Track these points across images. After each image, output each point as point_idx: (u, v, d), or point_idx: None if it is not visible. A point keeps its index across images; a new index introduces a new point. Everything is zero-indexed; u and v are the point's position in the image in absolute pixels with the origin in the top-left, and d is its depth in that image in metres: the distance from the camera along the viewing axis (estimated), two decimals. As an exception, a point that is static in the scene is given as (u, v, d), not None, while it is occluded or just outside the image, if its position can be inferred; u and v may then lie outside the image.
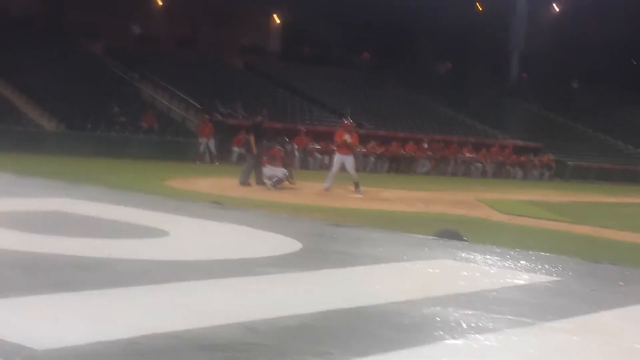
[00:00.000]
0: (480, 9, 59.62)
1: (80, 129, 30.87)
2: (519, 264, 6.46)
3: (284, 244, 6.69)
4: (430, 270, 6.01)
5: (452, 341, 3.91)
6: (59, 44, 37.65)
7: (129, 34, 43.20)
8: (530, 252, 7.23)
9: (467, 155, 38.25)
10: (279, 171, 20.34)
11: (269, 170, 20.34)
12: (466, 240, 8.35)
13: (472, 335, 4.02)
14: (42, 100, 32.46)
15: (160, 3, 46.63)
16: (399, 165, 36.00)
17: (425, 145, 37.14)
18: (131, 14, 43.89)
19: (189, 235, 7.15)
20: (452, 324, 4.23)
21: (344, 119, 21.95)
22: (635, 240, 13.81)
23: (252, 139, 21.37)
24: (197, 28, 46.85)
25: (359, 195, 20.07)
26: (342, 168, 20.75)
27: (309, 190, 20.65)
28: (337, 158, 21.00)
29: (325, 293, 4.87)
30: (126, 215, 7.85)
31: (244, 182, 20.56)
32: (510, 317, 4.46)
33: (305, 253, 6.39)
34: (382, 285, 5.24)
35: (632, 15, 53.68)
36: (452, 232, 8.83)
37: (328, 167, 24.99)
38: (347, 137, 20.75)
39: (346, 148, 20.81)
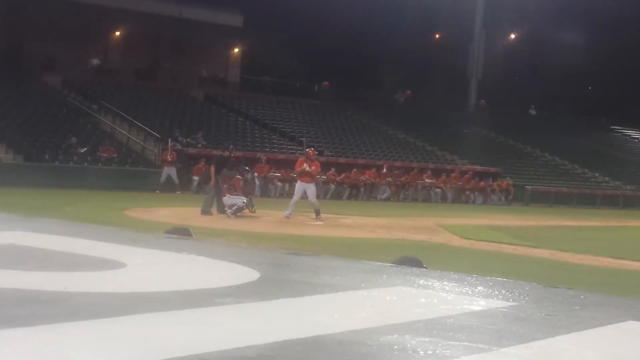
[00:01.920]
0: (439, 38, 60.32)
1: (38, 160, 30.57)
2: (476, 290, 6.50)
3: (242, 274, 6.66)
4: (388, 297, 6.01)
5: (408, 369, 3.91)
6: (17, 77, 37.41)
7: (87, 66, 43.04)
8: (488, 278, 7.28)
9: (427, 181, 38.47)
10: (239, 199, 20.34)
11: (228, 199, 20.33)
12: (425, 268, 8.38)
13: (429, 363, 4.02)
14: (-1, 132, 32.12)
15: (119, 35, 46.50)
16: (359, 192, 36.08)
17: (385, 172, 37.30)
18: (89, 46, 43.75)
19: (147, 266, 7.09)
20: (410, 351, 4.24)
21: (308, 149, 22.00)
22: (593, 263, 13.96)
23: (212, 170, 21.34)
24: (156, 60, 46.82)
25: (320, 223, 20.08)
26: (304, 196, 20.79)
27: (270, 218, 20.60)
28: (299, 186, 21.07)
29: (283, 323, 4.85)
30: (83, 248, 7.77)
31: (206, 211, 20.48)
32: (467, 343, 4.47)
33: (263, 283, 6.37)
34: (340, 314, 5.23)
35: (588, 44, 54.72)
36: (412, 259, 8.85)
37: (289, 194, 24.99)
38: (307, 166, 20.82)
39: (307, 176, 20.86)
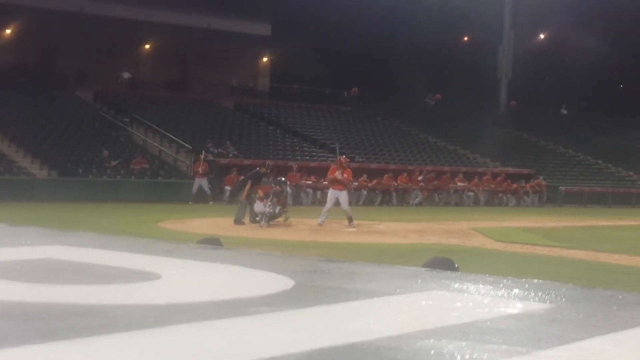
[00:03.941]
0: (467, 40, 60.09)
1: (72, 174, 30.87)
2: (512, 293, 6.45)
3: (277, 282, 6.67)
4: (423, 302, 5.99)
5: (446, 373, 3.90)
6: (49, 92, 37.86)
7: (118, 79, 43.45)
8: (523, 280, 7.22)
9: (459, 184, 38.30)
10: (272, 208, 20.38)
11: (261, 207, 20.38)
12: (457, 268, 8.35)
13: (467, 367, 4.01)
14: (33, 148, 32.49)
15: (149, 48, 46.87)
16: (391, 198, 36.00)
17: (420, 178, 37.16)
18: (120, 59, 44.19)
19: (182, 277, 7.12)
20: (447, 356, 4.22)
21: (340, 157, 22.04)
22: (630, 263, 13.82)
23: (248, 186, 21.45)
24: (186, 71, 47.17)
25: (353, 229, 20.10)
26: (336, 203, 20.82)
27: (303, 226, 20.65)
28: (331, 194, 21.13)
29: (319, 330, 4.85)
30: (118, 260, 7.82)
31: (239, 221, 20.57)
32: (504, 346, 4.44)
33: (298, 290, 6.37)
34: (376, 320, 5.22)
35: (619, 41, 54.18)
36: (443, 260, 8.81)
37: (321, 202, 25.00)
38: (339, 174, 20.85)
39: (340, 184, 20.89)
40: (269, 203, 20.44)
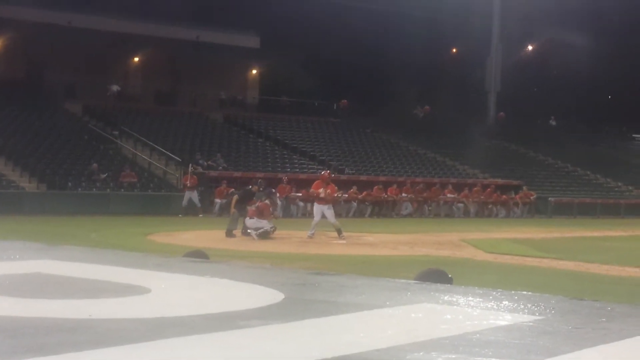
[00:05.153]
0: (456, 52, 60.31)
1: (61, 188, 30.76)
2: (501, 305, 6.46)
3: (266, 295, 6.66)
4: (413, 315, 6.00)
5: (436, 386, 3.90)
6: (38, 105, 37.75)
7: (107, 92, 43.35)
8: (513, 292, 7.23)
9: (449, 196, 38.34)
10: (266, 224, 20.33)
11: (256, 222, 20.31)
12: (451, 279, 8.36)
13: (456, 380, 4.01)
14: (21, 161, 32.37)
15: (138, 61, 46.84)
16: (381, 209, 36.00)
17: (403, 195, 37.03)
18: (109, 72, 44.12)
19: (171, 291, 7.11)
20: (436, 368, 4.22)
21: (323, 172, 22.08)
22: (619, 273, 13.85)
23: (234, 200, 21.51)
24: (175, 83, 47.11)
25: (343, 241, 20.08)
26: (324, 216, 20.83)
27: (294, 239, 20.63)
28: (317, 208, 21.16)
29: (309, 343, 4.85)
30: (107, 274, 7.80)
31: (230, 233, 20.55)
32: (494, 359, 4.45)
33: (288, 303, 6.36)
34: (366, 333, 5.22)
35: (607, 53, 54.48)
36: (437, 271, 8.82)
37: (311, 214, 24.98)
38: (323, 191, 20.85)
39: (322, 200, 20.90)
40: (267, 220, 20.43)
